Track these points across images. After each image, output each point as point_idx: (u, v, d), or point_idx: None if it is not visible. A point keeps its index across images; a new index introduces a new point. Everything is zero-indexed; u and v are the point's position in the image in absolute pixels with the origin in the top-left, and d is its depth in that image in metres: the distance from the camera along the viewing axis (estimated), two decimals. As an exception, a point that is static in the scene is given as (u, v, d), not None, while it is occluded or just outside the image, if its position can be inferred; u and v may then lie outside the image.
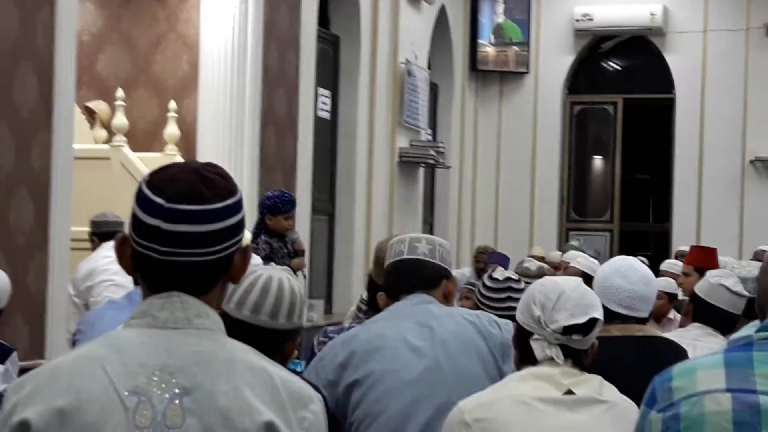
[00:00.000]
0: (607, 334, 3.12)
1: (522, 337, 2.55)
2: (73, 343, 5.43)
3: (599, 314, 2.56)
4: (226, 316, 2.71)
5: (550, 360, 2.49)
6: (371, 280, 4.04)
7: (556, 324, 2.49)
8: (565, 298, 2.50)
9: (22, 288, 5.77)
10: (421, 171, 12.70)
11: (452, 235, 13.76)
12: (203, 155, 8.51)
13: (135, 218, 1.74)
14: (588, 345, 2.56)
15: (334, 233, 10.90)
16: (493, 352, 3.03)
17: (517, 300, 4.19)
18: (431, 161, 12.53)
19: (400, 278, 3.14)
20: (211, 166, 1.79)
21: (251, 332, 2.61)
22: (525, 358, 2.54)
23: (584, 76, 15.22)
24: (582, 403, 2.44)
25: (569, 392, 2.45)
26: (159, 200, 1.72)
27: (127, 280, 6.28)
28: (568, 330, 2.49)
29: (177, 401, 1.68)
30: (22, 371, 4.64)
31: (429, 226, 13.56)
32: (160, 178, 1.75)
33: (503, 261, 9.44)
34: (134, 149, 8.14)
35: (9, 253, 5.74)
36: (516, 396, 2.45)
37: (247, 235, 7.61)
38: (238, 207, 1.76)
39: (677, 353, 3.35)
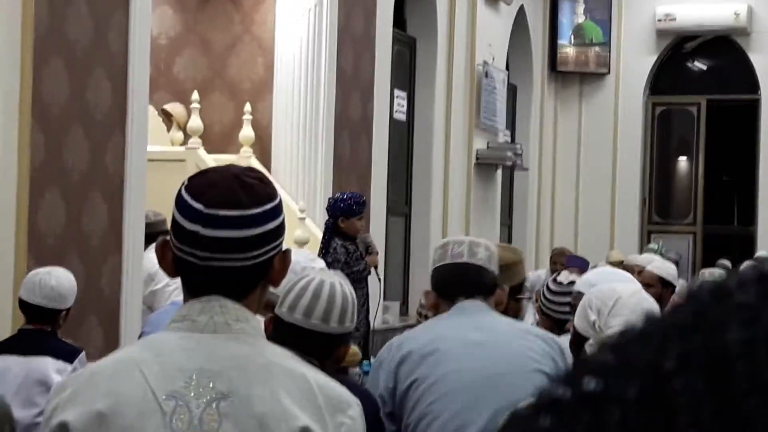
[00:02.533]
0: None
1: (578, 341, 2.52)
2: (140, 345, 5.52)
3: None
4: (278, 320, 2.73)
5: None
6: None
7: (611, 329, 2.45)
8: (622, 304, 2.47)
9: (97, 290, 5.86)
10: (499, 173, 12.62)
11: (531, 238, 13.66)
12: (278, 157, 8.57)
13: (175, 222, 1.75)
14: None
15: (410, 235, 10.89)
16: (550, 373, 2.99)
17: (578, 304, 4.16)
18: (509, 163, 12.44)
19: (461, 281, 3.11)
20: (251, 171, 1.79)
21: (303, 336, 2.61)
22: None
23: (666, 76, 15.00)
24: None
25: None
26: (198, 205, 1.72)
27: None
28: None
29: (214, 406, 1.68)
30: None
31: (507, 229, 13.47)
32: (199, 183, 1.75)
33: (582, 264, 9.32)
34: (209, 151, 8.22)
35: (84, 255, 5.83)
36: None
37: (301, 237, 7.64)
38: (277, 211, 1.76)
39: None
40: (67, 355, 4.30)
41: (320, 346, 2.62)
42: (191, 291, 1.77)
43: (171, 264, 1.77)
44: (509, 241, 13.46)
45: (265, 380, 1.70)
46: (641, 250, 13.62)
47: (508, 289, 3.32)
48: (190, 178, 1.78)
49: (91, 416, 1.67)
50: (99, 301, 5.94)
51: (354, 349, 3.89)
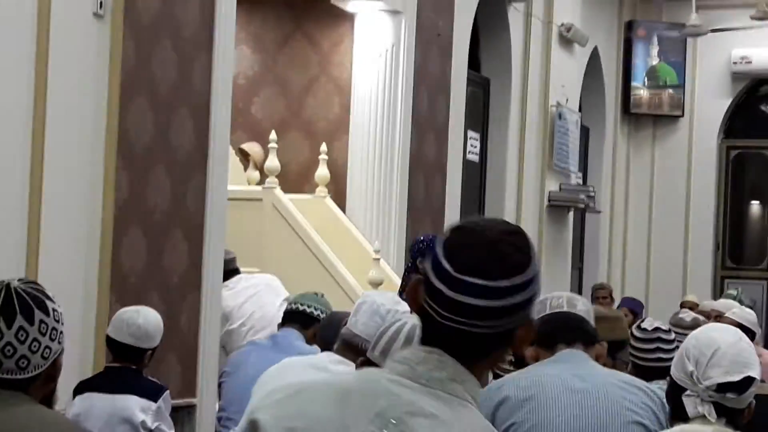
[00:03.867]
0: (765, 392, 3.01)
1: (675, 392, 2.47)
2: (219, 385, 5.52)
3: (756, 373, 2.45)
4: (370, 363, 2.71)
5: (702, 417, 2.40)
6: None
7: (709, 380, 2.39)
8: (721, 354, 2.41)
9: (176, 328, 5.88)
10: (571, 215, 12.54)
11: (602, 281, 13.52)
12: (353, 198, 8.58)
13: (425, 274, 1.72)
14: (744, 404, 2.45)
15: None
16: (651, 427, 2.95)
17: (665, 351, 4.09)
18: (581, 205, 12.35)
19: (563, 328, 3.09)
20: (512, 237, 1.73)
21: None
22: (677, 414, 2.45)
23: (741, 119, 14.83)
24: None
25: None
26: (447, 266, 1.69)
27: (266, 323, 6.41)
28: (723, 387, 2.40)
29: None
30: (174, 410, 4.72)
31: (579, 272, 13.36)
32: (455, 243, 1.71)
33: (636, 307, 9.18)
34: (285, 191, 8.26)
35: (164, 293, 5.87)
36: None
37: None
38: (528, 284, 1.70)
39: None
40: (152, 393, 4.32)
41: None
42: (424, 339, 1.73)
43: (418, 304, 1.73)
44: (580, 284, 13.34)
45: None
46: (714, 296, 13.41)
47: (607, 345, 3.29)
48: (451, 231, 1.74)
49: (283, 429, 1.67)
50: (178, 340, 5.97)
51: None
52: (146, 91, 5.67)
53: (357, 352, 3.25)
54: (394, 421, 1.66)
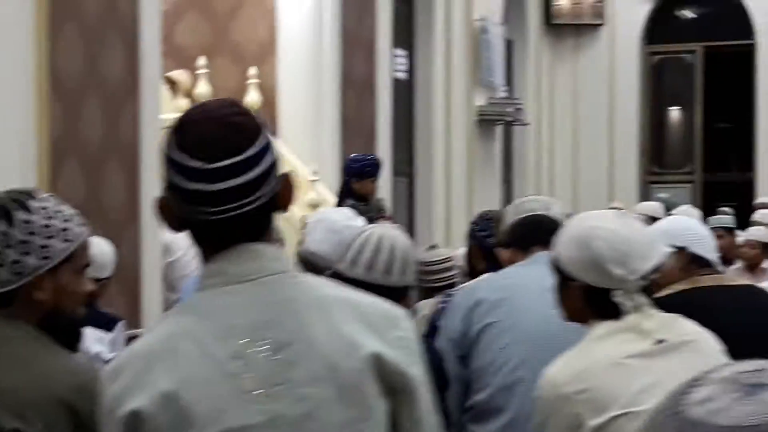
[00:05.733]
0: (700, 285, 3.11)
1: (594, 295, 2.40)
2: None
3: (662, 243, 2.50)
4: (339, 276, 2.72)
5: (637, 307, 2.38)
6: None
7: (636, 274, 2.37)
8: (633, 243, 2.38)
9: (117, 260, 5.82)
10: (499, 129, 12.60)
11: (531, 193, 13.65)
12: (285, 120, 8.52)
13: (174, 185, 1.65)
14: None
15: (414, 195, 10.87)
16: None
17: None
18: (509, 118, 12.42)
19: (538, 230, 3.09)
20: (231, 107, 1.69)
21: (365, 290, 2.60)
22: (603, 314, 2.37)
23: (662, 25, 14.95)
24: (673, 349, 2.35)
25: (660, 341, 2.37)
26: (197, 163, 1.63)
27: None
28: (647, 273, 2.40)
29: (278, 356, 1.62)
30: (128, 340, 4.69)
31: (508, 185, 13.47)
32: (190, 141, 1.65)
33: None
34: (217, 117, 8.16)
35: (102, 225, 5.79)
36: (607, 359, 2.33)
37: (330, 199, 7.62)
38: (268, 140, 1.68)
39: None
40: (106, 324, 4.29)
41: (383, 299, 2.61)
42: (209, 244, 1.68)
43: (175, 220, 1.69)
44: (509, 197, 13.47)
45: (319, 317, 1.65)
46: (641, 201, 13.63)
47: None
48: (176, 136, 1.66)
49: (159, 398, 1.60)
50: (120, 272, 5.91)
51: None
52: (74, 20, 5.54)
53: (315, 270, 3.25)
54: (249, 329, 1.63)
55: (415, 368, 1.70)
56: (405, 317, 1.75)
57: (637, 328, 2.35)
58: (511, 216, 3.21)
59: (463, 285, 3.33)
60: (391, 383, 1.67)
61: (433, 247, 4.93)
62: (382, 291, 2.62)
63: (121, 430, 1.61)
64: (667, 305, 2.48)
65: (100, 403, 1.67)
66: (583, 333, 2.92)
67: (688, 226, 3.42)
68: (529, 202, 3.22)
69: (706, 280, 3.24)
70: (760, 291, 3.42)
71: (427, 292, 4.36)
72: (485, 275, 3.36)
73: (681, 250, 3.29)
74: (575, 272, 2.41)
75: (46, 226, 2.07)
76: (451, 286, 4.48)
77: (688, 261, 3.28)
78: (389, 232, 2.77)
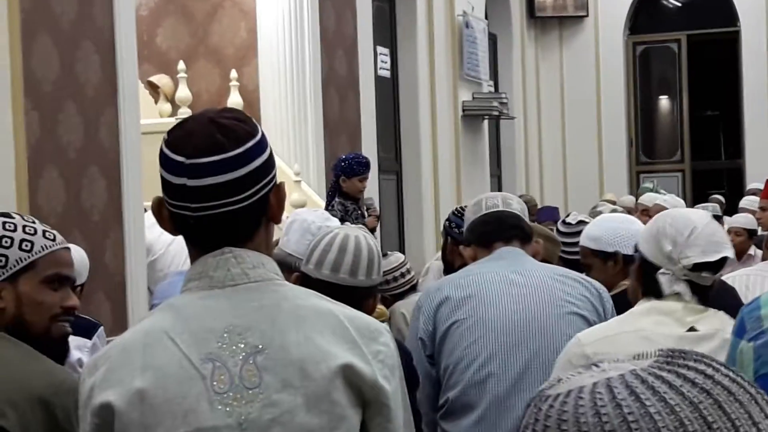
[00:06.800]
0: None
1: (646, 269, 2.48)
2: (154, 316, 5.51)
3: (730, 252, 2.51)
4: (305, 277, 2.73)
5: (675, 295, 2.44)
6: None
7: (687, 260, 2.42)
8: (697, 234, 2.44)
9: (101, 265, 5.83)
10: (486, 124, 12.61)
11: (521, 186, 13.66)
12: (267, 122, 8.52)
13: (163, 180, 1.72)
14: (713, 281, 2.50)
15: (402, 192, 10.87)
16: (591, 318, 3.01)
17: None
18: (495, 113, 12.42)
19: (500, 226, 3.12)
20: (227, 112, 1.75)
21: (332, 291, 2.60)
22: (648, 290, 2.48)
23: (645, 15, 14.97)
24: (705, 339, 2.38)
25: (692, 329, 2.41)
26: (179, 158, 1.69)
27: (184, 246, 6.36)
28: (698, 267, 2.44)
29: (251, 361, 1.66)
30: (108, 346, 4.69)
31: (497, 179, 13.47)
32: (177, 136, 1.71)
33: (555, 215, 9.31)
34: (199, 121, 8.16)
35: (85, 231, 5.80)
36: (638, 331, 2.39)
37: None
38: (261, 148, 1.71)
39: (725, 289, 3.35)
40: (86, 330, 4.29)
41: (349, 299, 2.62)
42: (199, 246, 1.73)
43: (169, 221, 1.74)
44: (499, 191, 13.46)
45: (295, 325, 1.69)
46: (631, 192, 13.66)
47: (542, 242, 3.34)
48: (169, 133, 1.74)
49: (132, 394, 1.65)
50: (105, 277, 5.93)
51: (381, 308, 3.90)
52: (48, 28, 5.54)
53: (290, 270, 3.26)
54: (226, 332, 1.67)
55: (388, 382, 1.72)
56: (386, 332, 1.77)
57: (676, 314, 2.40)
58: (471, 214, 3.22)
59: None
60: (363, 395, 1.70)
61: (385, 255, 4.95)
62: (348, 292, 2.64)
63: (94, 421, 1.66)
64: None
65: (78, 398, 1.71)
66: (551, 326, 2.95)
67: (615, 229, 3.54)
68: (489, 199, 3.23)
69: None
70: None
71: (389, 301, 4.42)
72: (451, 274, 3.37)
73: (614, 255, 3.50)
74: (640, 243, 2.52)
75: (3, 236, 2.15)
76: (413, 289, 4.54)
77: (623, 263, 3.42)
78: (354, 232, 2.77)
